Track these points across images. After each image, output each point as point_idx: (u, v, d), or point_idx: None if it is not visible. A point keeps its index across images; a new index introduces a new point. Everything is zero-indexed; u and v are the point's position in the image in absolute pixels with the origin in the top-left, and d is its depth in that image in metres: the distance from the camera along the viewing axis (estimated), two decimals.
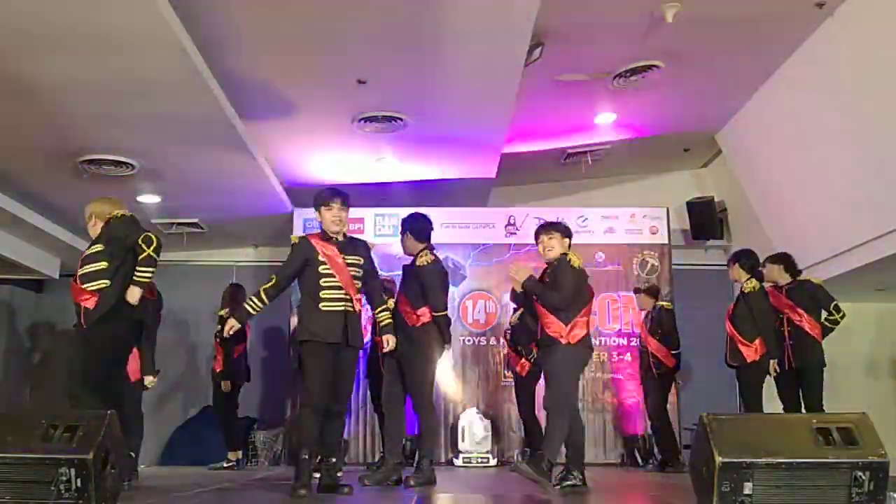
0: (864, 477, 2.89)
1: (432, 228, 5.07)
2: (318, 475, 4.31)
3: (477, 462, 7.38)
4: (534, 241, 4.66)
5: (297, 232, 7.72)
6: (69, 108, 5.35)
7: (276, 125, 6.50)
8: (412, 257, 5.02)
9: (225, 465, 6.78)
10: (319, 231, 4.38)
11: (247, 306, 4.28)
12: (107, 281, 4.14)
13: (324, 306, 4.15)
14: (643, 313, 7.06)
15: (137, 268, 4.12)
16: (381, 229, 8.09)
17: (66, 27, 4.28)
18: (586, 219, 8.17)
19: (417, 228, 4.99)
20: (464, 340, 7.96)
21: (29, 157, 6.23)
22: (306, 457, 4.11)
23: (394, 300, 5.32)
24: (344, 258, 4.24)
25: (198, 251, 9.00)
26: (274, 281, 4.26)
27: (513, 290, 4.76)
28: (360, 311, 4.30)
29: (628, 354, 7.82)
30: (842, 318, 5.77)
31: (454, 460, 7.53)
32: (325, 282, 4.19)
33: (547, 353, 4.39)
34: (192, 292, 8.46)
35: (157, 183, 6.95)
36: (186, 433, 8.53)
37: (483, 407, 7.79)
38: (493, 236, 8.19)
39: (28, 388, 8.98)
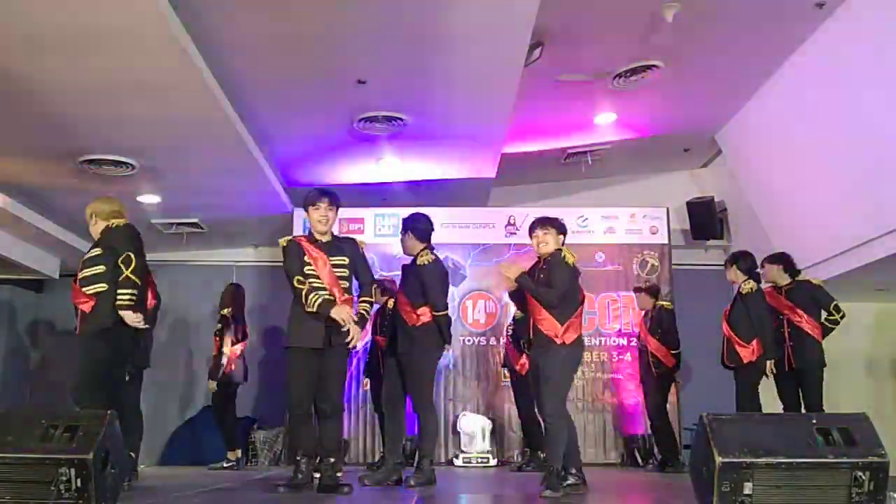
0: (864, 477, 2.89)
1: (433, 229, 5.08)
2: (318, 475, 4.32)
3: (477, 462, 7.37)
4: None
5: (298, 232, 7.72)
6: (69, 108, 5.35)
7: (276, 125, 6.50)
8: (412, 257, 5.02)
9: (225, 465, 6.77)
10: (307, 233, 4.42)
11: (327, 298, 4.15)
12: (104, 285, 4.17)
13: (309, 308, 4.18)
14: (643, 313, 7.07)
15: (118, 289, 4.12)
16: (381, 229, 8.09)
17: (65, 27, 4.28)
18: (586, 219, 8.18)
19: (420, 228, 4.99)
20: (464, 340, 7.96)
21: (29, 157, 6.23)
22: (299, 458, 4.26)
23: (394, 300, 5.32)
24: (329, 259, 4.26)
25: (198, 251, 9.01)
26: (300, 280, 4.19)
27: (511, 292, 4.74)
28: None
29: (628, 354, 7.82)
30: (842, 318, 5.77)
31: (454, 460, 7.53)
32: (310, 283, 4.21)
33: (542, 355, 4.31)
34: (192, 292, 8.47)
35: (157, 183, 6.95)
36: (186, 433, 8.53)
37: (483, 407, 7.80)
38: (493, 236, 8.20)
39: (28, 388, 8.99)
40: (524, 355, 6.71)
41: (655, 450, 7.05)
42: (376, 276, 7.44)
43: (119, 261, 4.13)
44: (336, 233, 4.51)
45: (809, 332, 5.72)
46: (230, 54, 5.20)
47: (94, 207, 4.46)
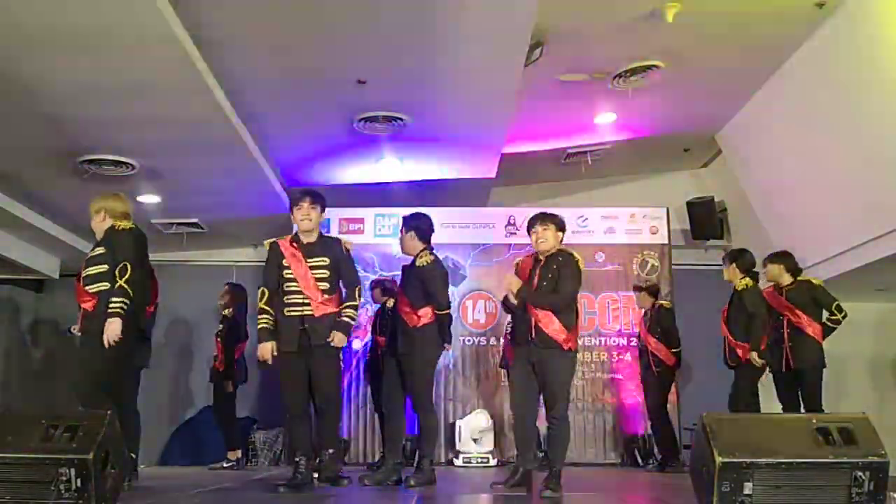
0: (864, 477, 2.89)
1: (434, 230, 5.07)
2: (317, 475, 4.34)
3: (477, 462, 7.38)
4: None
5: None
6: (69, 108, 5.35)
7: (276, 125, 6.50)
8: (411, 258, 5.01)
9: (225, 465, 6.77)
10: (292, 234, 4.45)
11: (265, 327, 4.28)
12: (107, 284, 4.16)
13: (286, 311, 4.24)
14: (642, 312, 7.07)
15: (111, 297, 4.10)
16: (381, 229, 8.08)
17: (65, 27, 4.28)
18: (586, 219, 8.18)
19: (422, 228, 4.97)
20: (464, 340, 7.96)
21: (29, 157, 6.23)
22: (297, 459, 4.29)
23: (394, 300, 5.31)
24: (307, 261, 4.28)
25: (198, 251, 9.00)
26: (266, 295, 4.31)
27: (505, 298, 4.65)
28: (329, 312, 4.29)
29: (628, 354, 7.82)
30: (844, 317, 5.76)
31: (454, 460, 7.53)
32: (287, 286, 4.28)
33: (546, 357, 4.26)
34: (192, 292, 8.46)
35: (157, 183, 6.95)
36: (186, 433, 8.53)
37: (483, 407, 7.79)
38: (493, 236, 8.20)
39: (28, 387, 8.98)
40: None
41: (655, 450, 7.05)
42: (376, 277, 7.51)
43: (116, 269, 4.13)
44: (337, 234, 4.51)
45: (809, 332, 5.71)
46: (230, 54, 5.20)
47: (106, 204, 4.42)
